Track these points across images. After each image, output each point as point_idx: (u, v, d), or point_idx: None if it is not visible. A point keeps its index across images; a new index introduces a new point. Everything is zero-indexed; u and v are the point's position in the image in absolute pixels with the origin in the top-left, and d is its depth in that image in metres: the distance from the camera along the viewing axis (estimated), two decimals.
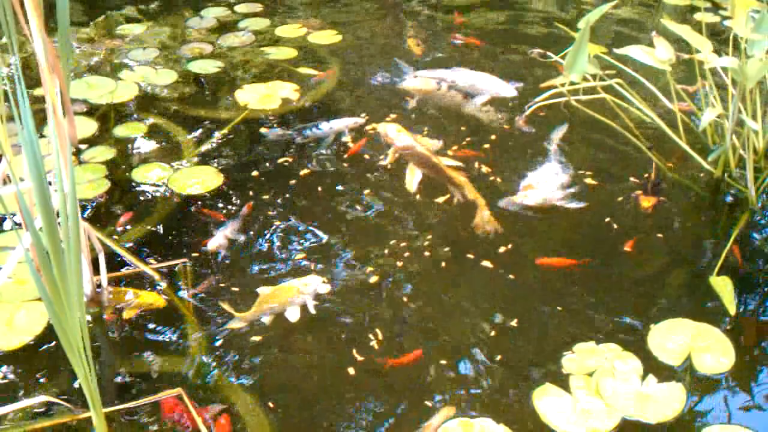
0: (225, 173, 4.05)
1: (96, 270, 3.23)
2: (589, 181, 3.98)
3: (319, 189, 3.95)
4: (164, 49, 5.50)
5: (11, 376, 2.93)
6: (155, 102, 4.80)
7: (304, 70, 5.15)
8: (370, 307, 3.24)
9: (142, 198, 3.90)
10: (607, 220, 3.72)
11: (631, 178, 4.00)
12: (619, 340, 3.04)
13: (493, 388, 2.88)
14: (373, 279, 3.36)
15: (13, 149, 3.54)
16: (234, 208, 3.81)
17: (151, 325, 3.14)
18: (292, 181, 4.00)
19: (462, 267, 3.45)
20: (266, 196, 3.89)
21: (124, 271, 3.39)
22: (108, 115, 4.62)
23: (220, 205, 3.84)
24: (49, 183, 2.41)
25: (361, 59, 5.38)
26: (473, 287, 3.35)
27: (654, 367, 2.94)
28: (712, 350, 3.00)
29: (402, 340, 3.08)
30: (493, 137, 4.36)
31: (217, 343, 3.06)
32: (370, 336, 3.09)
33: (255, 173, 4.07)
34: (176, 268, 3.41)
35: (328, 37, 5.68)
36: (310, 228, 3.68)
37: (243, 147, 4.33)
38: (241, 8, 6.21)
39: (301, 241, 3.60)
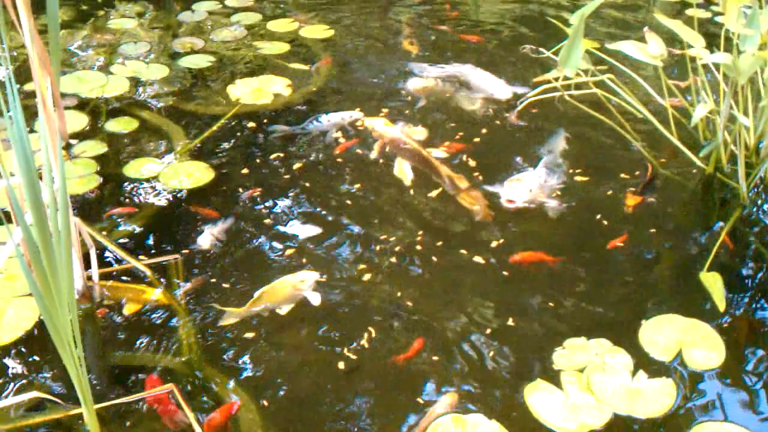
0: (216, 168, 4.04)
1: (87, 265, 3.22)
2: (579, 178, 3.98)
3: (312, 184, 3.94)
4: (156, 44, 5.48)
5: (2, 372, 2.92)
6: (147, 97, 4.79)
7: (295, 65, 5.14)
8: (362, 303, 3.24)
9: (133, 193, 3.88)
10: (598, 216, 3.72)
11: (622, 174, 4.00)
12: (610, 335, 3.05)
13: (485, 384, 2.88)
14: (366, 276, 3.36)
15: (2, 144, 3.53)
16: (225, 203, 3.80)
17: (143, 321, 3.13)
18: (284, 176, 3.99)
19: (454, 262, 3.45)
20: (257, 192, 3.88)
21: (115, 267, 3.38)
22: (99, 110, 4.61)
23: (212, 200, 3.83)
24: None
25: (355, 54, 5.37)
26: (465, 283, 3.35)
27: (644, 363, 2.94)
28: (702, 346, 3.01)
29: (394, 336, 3.08)
30: (484, 131, 4.36)
31: (210, 340, 3.06)
32: (363, 332, 3.08)
33: (246, 168, 4.06)
34: (167, 264, 3.40)
35: (320, 31, 5.67)
36: (302, 223, 3.67)
37: (235, 142, 4.32)
38: (231, 2, 6.18)
39: (293, 236, 3.59)
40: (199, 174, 4.00)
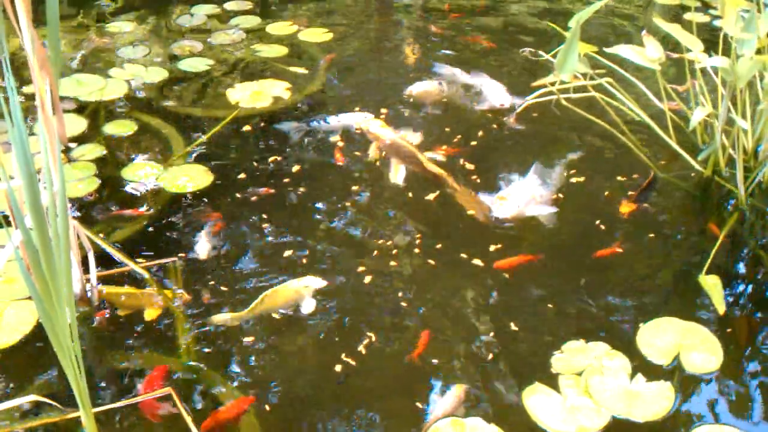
0: (215, 171, 4.04)
1: (85, 269, 3.22)
2: (576, 179, 3.98)
3: (310, 186, 3.94)
4: (154, 47, 5.48)
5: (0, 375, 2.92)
6: (145, 100, 4.79)
7: (294, 68, 5.15)
8: (361, 306, 3.24)
9: (131, 196, 3.88)
10: (597, 221, 3.72)
11: (620, 178, 4.01)
12: (608, 339, 3.05)
13: (484, 388, 2.89)
14: (365, 279, 3.36)
15: (2, 147, 3.53)
16: (223, 206, 3.80)
17: (141, 324, 3.13)
18: (283, 179, 4.00)
19: (453, 266, 3.45)
20: (256, 195, 3.88)
21: (113, 269, 3.38)
22: (97, 113, 4.61)
23: (210, 203, 3.83)
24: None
25: (354, 57, 5.38)
26: (464, 286, 3.35)
27: (643, 366, 2.95)
28: (700, 349, 3.02)
29: (393, 339, 3.09)
30: (482, 134, 4.37)
31: (208, 343, 3.06)
32: (362, 335, 3.09)
33: (245, 171, 4.06)
34: (166, 266, 3.41)
35: (318, 35, 5.67)
36: (301, 226, 3.68)
37: (234, 145, 4.32)
38: (231, 5, 6.19)
39: (292, 239, 3.59)
40: (198, 177, 4.00)
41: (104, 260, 3.40)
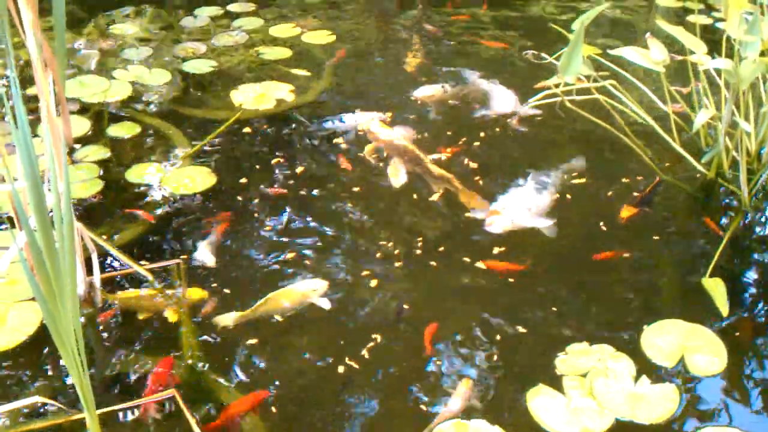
0: (218, 173, 4.04)
1: (89, 270, 3.22)
2: (578, 181, 3.98)
3: (313, 189, 3.95)
4: (158, 49, 5.49)
5: (3, 377, 2.92)
6: (149, 101, 4.80)
7: (297, 71, 5.15)
8: (363, 308, 3.24)
9: (135, 198, 3.89)
10: (601, 223, 3.72)
11: (624, 180, 4.01)
12: (612, 340, 3.05)
13: (488, 390, 2.88)
14: (367, 282, 3.36)
15: (7, 148, 3.53)
16: (226, 208, 3.80)
17: (145, 326, 3.13)
18: (288, 181, 4.00)
19: (456, 268, 3.45)
20: (259, 197, 3.88)
21: (117, 271, 3.38)
22: (101, 115, 4.62)
23: (213, 205, 3.83)
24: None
25: (357, 60, 5.39)
26: (467, 289, 3.35)
27: (647, 368, 2.94)
28: (704, 351, 3.01)
29: (396, 341, 3.09)
30: (484, 135, 4.38)
31: (212, 344, 3.06)
32: (366, 337, 3.08)
33: (248, 173, 4.06)
34: (170, 268, 3.41)
35: (322, 37, 5.68)
36: (304, 228, 3.68)
37: (237, 147, 4.32)
38: (234, 7, 6.19)
39: (295, 241, 3.59)
40: (201, 179, 4.00)
41: (108, 262, 3.40)
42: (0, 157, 2.84)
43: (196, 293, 3.28)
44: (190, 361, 2.96)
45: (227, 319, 3.15)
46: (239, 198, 3.88)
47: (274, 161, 4.16)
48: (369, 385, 2.91)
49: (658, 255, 3.58)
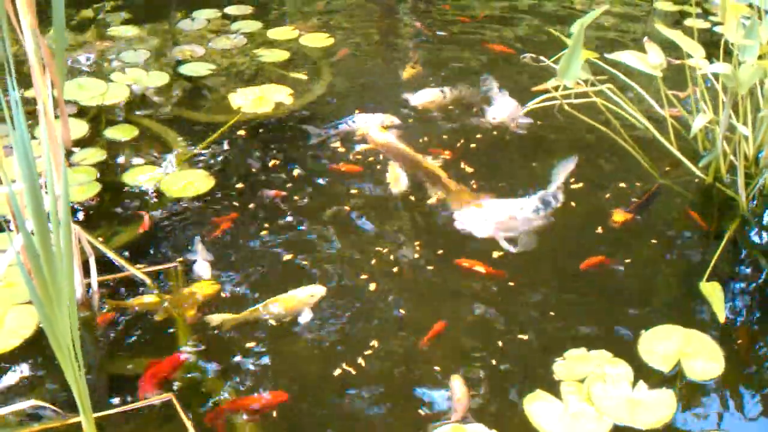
0: (216, 176, 4.04)
1: (86, 273, 3.21)
2: (576, 186, 3.98)
3: (311, 191, 3.94)
4: (155, 51, 5.48)
5: (0, 380, 2.92)
6: (146, 104, 4.79)
7: (295, 74, 5.15)
8: (363, 312, 3.23)
9: (132, 201, 3.88)
10: (599, 228, 3.72)
11: (621, 184, 4.01)
12: (610, 346, 3.05)
13: (485, 394, 2.88)
14: (366, 285, 3.36)
15: (4, 150, 3.52)
16: (224, 211, 3.80)
17: (142, 329, 3.13)
18: (287, 185, 3.99)
19: (455, 272, 3.45)
20: (257, 200, 3.87)
21: (114, 275, 3.37)
22: (99, 117, 4.61)
23: (210, 208, 3.83)
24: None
25: (356, 61, 5.39)
26: (465, 293, 3.35)
27: (644, 373, 2.94)
28: (701, 356, 3.01)
29: (394, 345, 3.08)
30: (479, 136, 4.38)
31: (209, 348, 3.05)
32: (364, 342, 3.08)
33: (246, 176, 4.06)
34: (167, 271, 3.40)
35: (320, 39, 5.68)
36: (302, 232, 3.68)
37: (235, 150, 4.32)
38: (231, 10, 6.19)
39: (292, 245, 3.59)
40: (199, 182, 4.00)
41: (105, 265, 3.40)
42: None
43: (208, 287, 3.31)
44: (188, 365, 2.96)
45: (218, 319, 3.14)
46: (237, 201, 3.87)
47: (271, 164, 4.16)
48: (366, 390, 2.90)
49: (656, 259, 3.58)
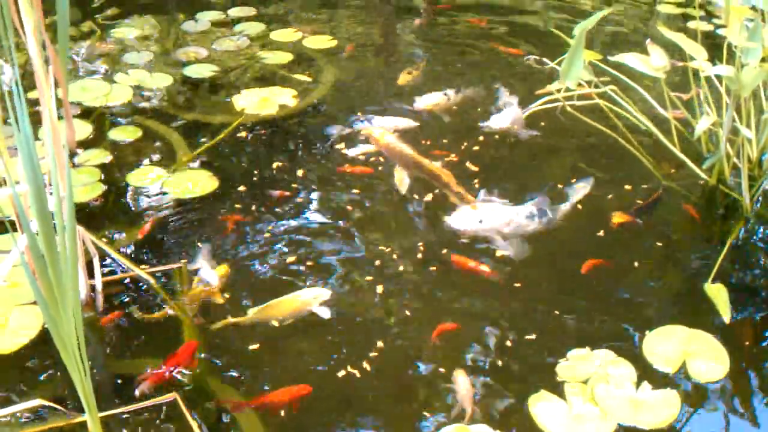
0: (220, 177, 4.04)
1: (91, 274, 3.22)
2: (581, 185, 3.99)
3: (315, 192, 3.95)
4: (159, 53, 5.49)
5: (5, 380, 2.92)
6: (150, 106, 4.80)
7: (298, 75, 5.15)
8: (364, 313, 3.24)
9: (136, 202, 3.89)
10: (601, 230, 3.72)
11: (626, 186, 4.01)
12: (614, 346, 3.05)
13: (489, 395, 2.88)
14: (368, 286, 3.36)
15: (9, 151, 3.53)
16: (229, 211, 3.80)
17: (147, 329, 3.13)
18: (291, 185, 3.99)
19: (458, 274, 3.45)
20: (261, 201, 3.88)
21: (119, 274, 3.38)
22: (102, 119, 4.62)
23: (214, 208, 3.83)
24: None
25: (360, 64, 5.40)
26: (469, 293, 3.35)
27: (648, 374, 2.94)
28: (706, 357, 3.01)
29: (396, 346, 3.08)
30: (481, 138, 4.39)
31: (214, 348, 3.05)
32: (368, 343, 3.08)
33: (250, 177, 4.06)
34: (172, 271, 3.41)
35: (324, 42, 5.68)
36: (306, 233, 3.68)
37: (239, 151, 4.32)
38: (235, 12, 6.20)
39: (297, 246, 3.59)
40: (203, 183, 4.00)
41: (109, 265, 3.40)
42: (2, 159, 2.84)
43: (221, 271, 3.36)
44: (193, 365, 2.96)
45: (222, 321, 3.15)
46: (241, 202, 3.87)
47: (275, 165, 4.16)
48: (371, 391, 2.90)
49: (660, 261, 3.58)
